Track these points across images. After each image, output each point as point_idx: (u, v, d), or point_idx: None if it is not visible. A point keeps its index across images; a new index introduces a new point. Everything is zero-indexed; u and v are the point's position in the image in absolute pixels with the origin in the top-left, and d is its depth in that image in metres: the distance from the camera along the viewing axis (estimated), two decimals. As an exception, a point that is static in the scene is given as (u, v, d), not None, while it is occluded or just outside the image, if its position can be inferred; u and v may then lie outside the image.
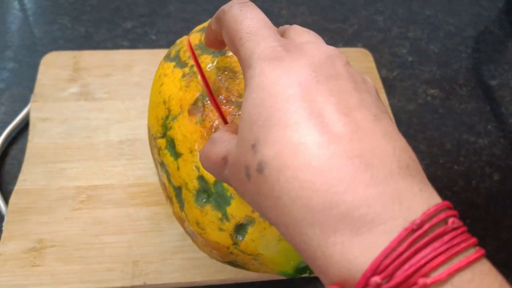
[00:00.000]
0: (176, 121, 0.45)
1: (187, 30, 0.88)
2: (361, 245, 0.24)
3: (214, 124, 0.43)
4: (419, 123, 0.78)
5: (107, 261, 0.59)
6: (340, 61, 0.31)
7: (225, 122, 0.44)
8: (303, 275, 0.47)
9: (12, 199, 0.63)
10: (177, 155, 0.45)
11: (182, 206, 0.46)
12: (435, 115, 0.80)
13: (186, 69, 0.47)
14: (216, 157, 0.34)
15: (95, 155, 0.68)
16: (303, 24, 0.91)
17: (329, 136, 0.26)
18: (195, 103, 0.45)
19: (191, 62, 0.48)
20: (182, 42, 0.52)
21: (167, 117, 0.47)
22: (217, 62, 0.46)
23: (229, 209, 0.43)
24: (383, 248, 0.24)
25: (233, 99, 0.44)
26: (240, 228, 0.44)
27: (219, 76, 0.45)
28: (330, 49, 0.32)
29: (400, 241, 0.24)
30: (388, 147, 0.27)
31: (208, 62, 0.47)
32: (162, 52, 0.80)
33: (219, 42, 0.39)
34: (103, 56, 0.79)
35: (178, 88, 0.47)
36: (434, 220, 0.25)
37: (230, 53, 0.46)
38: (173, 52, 0.52)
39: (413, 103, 0.81)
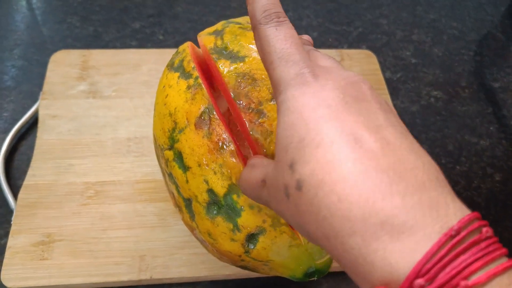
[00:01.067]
0: (183, 134, 0.46)
1: (194, 31, 0.89)
2: (402, 251, 0.25)
3: (221, 138, 0.43)
4: (422, 124, 0.79)
5: (114, 255, 0.60)
6: (365, 85, 0.33)
7: (232, 135, 0.44)
8: (311, 279, 0.48)
9: (21, 194, 0.64)
10: (185, 168, 0.45)
11: (192, 217, 0.47)
12: (437, 116, 0.81)
13: (191, 81, 0.47)
14: (255, 180, 0.36)
15: (103, 152, 0.69)
16: (309, 26, 0.92)
17: (361, 151, 0.28)
18: (201, 116, 0.45)
19: (196, 73, 0.47)
20: (185, 50, 0.51)
21: (173, 129, 0.47)
22: (235, 68, 0.46)
23: (240, 221, 0.43)
24: (424, 253, 0.25)
25: (253, 106, 0.43)
26: (251, 238, 0.44)
27: (239, 81, 0.45)
28: (353, 73, 0.33)
29: (440, 246, 0.25)
30: (418, 161, 0.28)
31: (226, 67, 0.46)
32: (170, 52, 0.81)
33: None
34: (112, 55, 0.80)
35: (184, 101, 0.46)
36: (470, 228, 0.26)
37: (249, 59, 0.46)
38: (176, 62, 0.51)
39: (416, 105, 0.82)
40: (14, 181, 0.68)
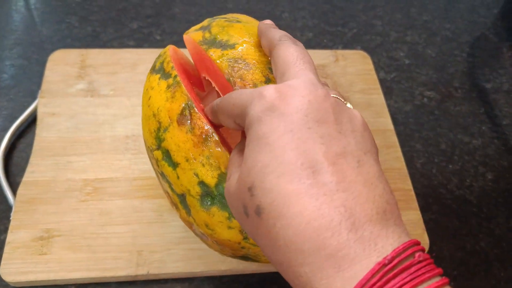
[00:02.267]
0: (168, 132, 0.47)
1: (191, 31, 0.90)
2: (343, 279, 0.28)
3: (204, 131, 0.45)
4: (415, 123, 0.80)
5: (112, 250, 0.61)
6: (328, 103, 0.34)
7: (215, 127, 0.45)
8: None
9: (20, 189, 0.65)
10: (174, 165, 0.46)
11: (188, 212, 0.48)
12: (430, 116, 0.82)
13: (170, 80, 0.48)
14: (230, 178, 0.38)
15: (101, 149, 0.70)
16: (304, 27, 0.93)
17: (318, 186, 0.30)
18: (182, 112, 0.46)
19: (174, 72, 0.49)
20: (166, 52, 0.53)
21: (158, 129, 0.48)
22: (227, 54, 0.47)
23: None
24: (359, 280, 0.28)
25: (249, 88, 0.45)
26: None
27: (232, 66, 0.46)
28: (319, 87, 0.35)
29: (373, 273, 0.28)
30: (370, 195, 0.31)
31: (217, 54, 0.48)
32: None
33: None
34: (110, 55, 0.81)
35: (165, 100, 0.48)
36: (403, 255, 0.29)
37: (240, 47, 0.48)
38: (157, 64, 0.53)
39: (410, 104, 0.83)
40: (13, 178, 0.69)
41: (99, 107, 0.74)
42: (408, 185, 0.71)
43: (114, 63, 0.80)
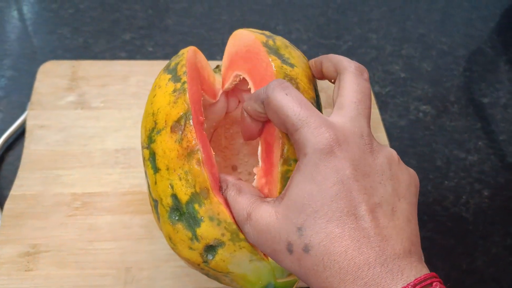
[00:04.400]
0: (160, 136, 0.46)
1: (183, 43, 0.89)
2: None
3: (191, 145, 0.44)
4: (410, 139, 0.79)
5: (100, 266, 0.60)
6: (372, 156, 0.39)
7: (204, 145, 0.45)
8: None
9: (8, 204, 0.64)
10: (156, 169, 0.46)
11: (158, 219, 0.47)
12: (426, 131, 0.81)
13: (178, 85, 0.48)
14: (241, 209, 0.42)
15: (91, 163, 0.69)
16: (299, 40, 0.92)
17: (359, 230, 0.35)
18: (178, 120, 0.45)
19: (185, 78, 0.48)
20: (184, 54, 0.52)
21: (153, 129, 0.47)
22: (285, 69, 0.46)
23: (198, 231, 0.43)
24: None
25: None
26: (210, 249, 0.44)
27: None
28: (371, 145, 0.39)
29: None
30: (398, 238, 0.36)
31: (277, 64, 0.47)
32: (159, 64, 0.81)
33: (258, 124, 0.46)
34: (101, 66, 0.80)
35: (167, 103, 0.47)
36: (423, 284, 0.34)
37: (297, 69, 0.48)
38: (172, 64, 0.52)
39: (405, 119, 0.82)
40: (1, 191, 0.68)
41: (89, 119, 0.73)
42: (403, 201, 0.70)
43: (105, 75, 0.79)
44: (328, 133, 0.37)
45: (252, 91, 0.48)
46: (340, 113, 0.41)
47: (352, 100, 0.41)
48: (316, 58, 0.50)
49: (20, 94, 0.78)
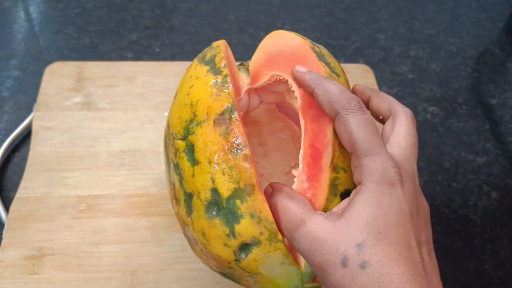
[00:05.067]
0: (200, 128, 0.45)
1: (190, 43, 0.89)
2: None
3: (237, 141, 0.43)
4: (418, 140, 0.79)
5: (105, 270, 0.60)
6: (420, 199, 0.43)
7: (248, 141, 0.44)
8: None
9: (13, 206, 0.64)
10: (194, 161, 0.45)
11: (189, 212, 0.46)
12: (434, 133, 0.80)
13: (220, 77, 0.47)
14: (293, 215, 0.42)
15: (96, 165, 0.68)
16: (306, 40, 0.92)
17: (411, 260, 0.39)
18: (222, 114, 0.44)
19: (226, 71, 0.47)
20: (219, 47, 0.51)
21: (191, 120, 0.46)
22: (332, 77, 0.46)
23: (237, 227, 0.43)
24: None
25: None
26: (245, 247, 0.44)
27: None
28: (417, 187, 0.43)
29: None
30: (435, 275, 0.41)
31: (326, 70, 0.46)
32: (166, 65, 0.81)
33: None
34: (107, 67, 0.79)
35: (208, 95, 0.46)
36: None
37: (342, 79, 0.48)
38: (208, 56, 0.51)
39: (413, 121, 0.81)
40: (7, 193, 0.67)
41: (95, 121, 0.73)
42: (411, 204, 0.69)
43: (111, 76, 0.78)
44: (395, 168, 0.41)
45: (296, 93, 0.47)
46: (398, 151, 0.44)
47: (407, 144, 0.44)
48: (363, 88, 0.51)
49: (26, 95, 0.78)
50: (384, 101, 0.49)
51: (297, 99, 0.47)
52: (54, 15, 0.91)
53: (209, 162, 0.44)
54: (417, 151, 0.46)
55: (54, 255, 0.60)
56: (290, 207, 0.42)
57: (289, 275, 0.45)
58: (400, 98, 0.85)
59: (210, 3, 0.97)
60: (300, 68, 0.46)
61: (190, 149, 0.45)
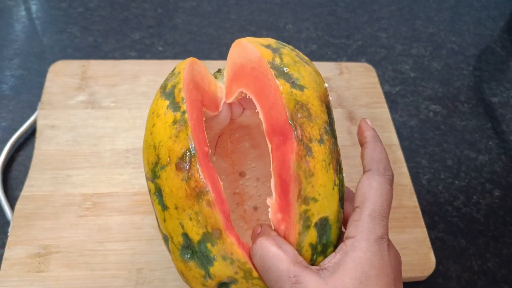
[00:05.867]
0: (164, 172, 0.44)
1: (193, 42, 0.89)
2: None
3: (199, 185, 0.42)
4: (420, 139, 0.79)
5: (111, 268, 0.60)
6: (400, 266, 0.45)
7: (212, 182, 0.43)
8: None
9: (18, 204, 0.64)
10: (164, 206, 0.45)
11: (170, 252, 0.47)
12: (436, 131, 0.81)
13: (178, 115, 0.45)
14: (285, 268, 0.41)
15: (101, 163, 0.69)
16: (308, 39, 0.92)
17: None
18: (182, 157, 0.43)
19: (184, 107, 0.45)
20: (180, 73, 0.49)
21: (156, 163, 0.45)
22: (295, 94, 0.44)
23: (211, 269, 0.43)
24: None
25: (304, 140, 0.42)
26: (223, 285, 0.44)
27: (297, 109, 0.43)
28: (398, 253, 0.45)
29: None
30: None
31: (286, 89, 0.44)
32: (168, 63, 0.81)
33: None
34: (111, 66, 0.80)
35: (168, 136, 0.44)
36: None
37: (308, 93, 0.45)
38: (169, 86, 0.49)
39: (415, 119, 0.82)
40: (12, 192, 0.67)
41: (99, 119, 0.73)
42: (414, 202, 0.69)
43: (115, 75, 0.78)
44: (387, 234, 0.43)
45: (261, 116, 0.46)
46: (369, 218, 0.44)
47: (377, 214, 0.44)
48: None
49: (29, 94, 0.78)
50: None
51: (262, 122, 0.45)
52: (57, 14, 0.92)
53: (176, 208, 0.43)
54: (389, 213, 0.45)
55: (59, 253, 0.60)
56: (280, 257, 0.41)
57: None
58: (402, 96, 0.85)
59: (212, 2, 0.97)
60: (367, 121, 0.49)
61: (159, 192, 0.45)
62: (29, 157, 0.69)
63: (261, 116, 0.45)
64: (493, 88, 0.89)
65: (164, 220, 0.45)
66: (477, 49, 0.95)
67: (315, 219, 0.42)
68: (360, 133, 0.48)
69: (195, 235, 0.43)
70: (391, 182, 0.45)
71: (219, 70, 0.55)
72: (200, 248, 0.43)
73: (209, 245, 0.42)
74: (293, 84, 0.45)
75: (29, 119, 0.73)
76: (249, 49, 0.49)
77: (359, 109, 0.79)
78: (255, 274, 0.43)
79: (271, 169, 0.44)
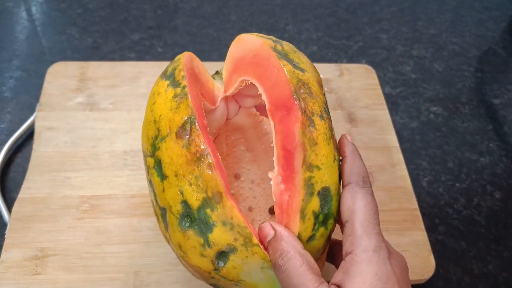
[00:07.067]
0: (164, 142, 0.45)
1: (193, 43, 0.89)
2: None
3: (199, 150, 0.43)
4: (421, 140, 0.79)
5: (109, 270, 0.60)
6: (407, 270, 0.45)
7: (212, 148, 0.44)
8: None
9: (16, 206, 0.64)
10: (163, 176, 0.45)
11: (167, 227, 0.46)
12: (437, 133, 0.80)
13: (178, 90, 0.47)
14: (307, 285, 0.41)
15: (99, 165, 0.68)
16: (309, 40, 0.92)
17: None
18: (182, 126, 0.45)
19: (184, 82, 0.47)
20: (180, 59, 0.51)
21: (156, 137, 0.47)
22: (297, 73, 0.47)
23: (211, 236, 0.43)
24: None
25: (308, 113, 0.44)
26: (222, 255, 0.44)
27: (299, 85, 0.46)
28: (403, 257, 0.45)
29: None
30: None
31: (289, 69, 0.47)
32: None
33: None
34: (110, 68, 0.79)
35: (169, 109, 0.46)
36: None
37: (308, 73, 0.48)
38: (169, 70, 0.51)
39: (416, 121, 0.81)
40: (9, 194, 0.67)
41: (98, 121, 0.73)
42: (414, 204, 0.69)
43: (114, 76, 0.78)
44: (384, 242, 0.43)
45: (263, 96, 0.47)
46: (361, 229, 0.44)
47: (367, 219, 0.44)
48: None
49: (28, 95, 0.78)
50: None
51: (265, 101, 0.47)
52: (57, 16, 0.91)
53: (176, 175, 0.44)
54: (379, 220, 0.45)
55: (57, 255, 0.60)
56: (303, 274, 0.42)
57: (271, 280, 0.45)
58: (403, 98, 0.84)
59: (212, 3, 0.97)
60: (347, 137, 0.49)
61: (159, 164, 0.46)
62: (27, 159, 0.69)
63: (263, 97, 0.47)
64: (494, 89, 0.88)
65: (163, 190, 0.45)
66: (478, 50, 0.95)
67: (318, 187, 0.44)
68: (340, 148, 0.49)
69: (195, 201, 0.43)
70: (371, 193, 0.45)
71: (216, 72, 0.57)
72: (200, 214, 0.43)
73: (208, 210, 0.43)
74: (295, 66, 0.48)
75: (27, 121, 0.73)
76: (250, 40, 0.52)
77: (359, 111, 0.79)
78: (255, 240, 0.43)
79: (273, 144, 0.45)
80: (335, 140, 0.47)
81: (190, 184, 0.43)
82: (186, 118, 0.45)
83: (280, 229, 0.43)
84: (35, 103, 0.76)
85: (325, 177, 0.44)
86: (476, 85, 0.89)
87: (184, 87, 0.47)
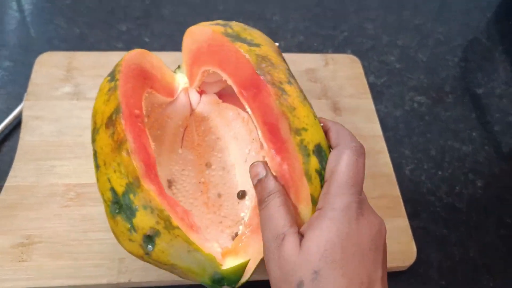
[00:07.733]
0: (98, 134, 0.47)
1: (180, 33, 0.88)
2: None
3: (120, 137, 0.45)
4: (405, 129, 0.79)
5: (94, 257, 0.60)
6: (381, 235, 0.44)
7: (136, 136, 0.46)
8: (223, 287, 0.48)
9: (2, 195, 0.64)
10: (97, 166, 0.47)
11: (106, 215, 0.48)
12: (421, 121, 0.81)
13: (112, 83, 0.49)
14: (280, 224, 0.44)
15: (85, 154, 0.69)
16: (295, 30, 0.92)
17: None
18: (110, 116, 0.47)
19: (118, 75, 0.49)
20: (124, 57, 0.53)
21: (94, 129, 0.49)
22: (254, 50, 0.48)
23: (135, 221, 0.44)
24: None
25: (276, 84, 0.46)
26: (148, 239, 0.45)
27: (260, 60, 0.47)
28: (380, 221, 0.45)
29: None
30: None
31: (245, 48, 0.48)
32: (155, 55, 0.81)
33: None
34: (97, 57, 0.80)
35: (102, 102, 0.49)
36: None
37: (264, 47, 0.49)
38: (113, 68, 0.53)
39: (400, 109, 0.82)
40: (-4, 182, 0.68)
41: (85, 110, 0.73)
42: (396, 191, 0.70)
43: (101, 66, 0.79)
44: (357, 203, 0.43)
45: (229, 82, 0.49)
46: (335, 187, 0.44)
47: (346, 180, 0.45)
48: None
49: (16, 85, 0.78)
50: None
51: (232, 86, 0.49)
52: (45, 6, 0.92)
53: (105, 164, 0.46)
54: (361, 181, 0.46)
55: (43, 242, 0.61)
56: (279, 213, 0.44)
57: (201, 262, 0.46)
58: (387, 87, 0.85)
59: (200, -7, 0.98)
60: (330, 120, 0.50)
61: (95, 155, 0.48)
62: (14, 148, 0.70)
63: (229, 82, 0.49)
64: (478, 78, 0.89)
65: (98, 180, 0.47)
66: (463, 39, 0.96)
67: (311, 147, 0.45)
68: (323, 127, 0.49)
69: (119, 187, 0.45)
70: (358, 152, 0.46)
71: (178, 66, 0.60)
72: (125, 200, 0.45)
73: (131, 195, 0.44)
74: (250, 44, 0.49)
75: (14, 111, 0.73)
76: (200, 31, 0.54)
77: (343, 100, 0.79)
78: (174, 223, 0.44)
79: (254, 122, 0.47)
80: (308, 100, 0.48)
81: (115, 171, 0.45)
82: (113, 109, 0.47)
83: (271, 173, 0.46)
84: (23, 93, 0.76)
85: (314, 136, 0.46)
86: (460, 74, 0.89)
87: (117, 80, 0.49)
